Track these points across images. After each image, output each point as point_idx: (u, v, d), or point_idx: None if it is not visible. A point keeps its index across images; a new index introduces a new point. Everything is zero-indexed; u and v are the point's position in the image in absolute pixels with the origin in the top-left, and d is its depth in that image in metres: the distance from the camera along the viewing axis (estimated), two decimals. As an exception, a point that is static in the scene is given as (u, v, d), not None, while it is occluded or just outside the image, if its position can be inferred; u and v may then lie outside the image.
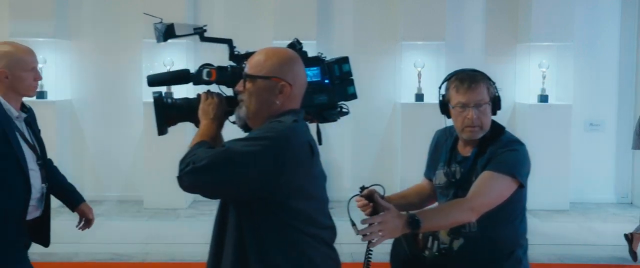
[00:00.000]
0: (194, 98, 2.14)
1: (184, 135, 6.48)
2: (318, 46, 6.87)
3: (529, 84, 6.86)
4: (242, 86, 1.97)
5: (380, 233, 2.05)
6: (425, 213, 2.27)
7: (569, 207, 6.80)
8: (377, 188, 2.35)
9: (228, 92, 2.15)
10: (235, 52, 2.15)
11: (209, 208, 6.66)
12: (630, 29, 7.17)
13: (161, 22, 2.15)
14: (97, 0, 7.01)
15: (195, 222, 6.11)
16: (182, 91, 6.61)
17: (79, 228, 3.13)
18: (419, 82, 6.72)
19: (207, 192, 1.93)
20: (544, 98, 6.73)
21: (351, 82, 2.22)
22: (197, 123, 2.11)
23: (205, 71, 2.09)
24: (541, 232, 5.87)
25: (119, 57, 6.97)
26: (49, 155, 3.42)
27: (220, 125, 2.07)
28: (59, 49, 6.74)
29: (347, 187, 7.03)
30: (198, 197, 6.92)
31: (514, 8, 7.01)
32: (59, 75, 6.75)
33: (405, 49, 6.82)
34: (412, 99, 6.76)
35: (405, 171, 6.80)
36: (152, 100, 2.11)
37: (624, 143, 6.74)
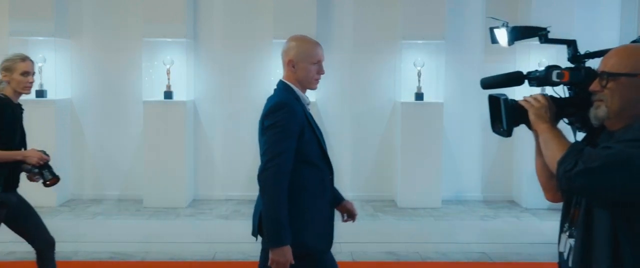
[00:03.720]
0: (520, 101, 2.11)
1: (185, 135, 6.48)
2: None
3: (529, 83, 6.86)
4: (599, 85, 1.91)
5: None
6: None
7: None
8: None
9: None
10: (578, 53, 2.12)
11: (209, 207, 6.67)
12: (630, 29, 7.18)
13: (506, 25, 2.12)
14: (97, -1, 7.03)
15: (195, 221, 6.11)
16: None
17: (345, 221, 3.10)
18: (419, 81, 6.72)
19: (595, 194, 1.83)
20: (543, 97, 6.74)
21: None
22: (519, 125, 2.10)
23: (555, 72, 2.03)
24: (541, 231, 5.89)
25: (119, 56, 6.96)
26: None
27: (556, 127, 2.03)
28: (58, 47, 6.73)
29: (346, 187, 7.06)
30: (198, 196, 6.98)
31: (514, 8, 7.02)
32: (58, 74, 6.74)
33: (405, 48, 6.83)
34: (412, 98, 6.76)
35: (405, 170, 6.81)
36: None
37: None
